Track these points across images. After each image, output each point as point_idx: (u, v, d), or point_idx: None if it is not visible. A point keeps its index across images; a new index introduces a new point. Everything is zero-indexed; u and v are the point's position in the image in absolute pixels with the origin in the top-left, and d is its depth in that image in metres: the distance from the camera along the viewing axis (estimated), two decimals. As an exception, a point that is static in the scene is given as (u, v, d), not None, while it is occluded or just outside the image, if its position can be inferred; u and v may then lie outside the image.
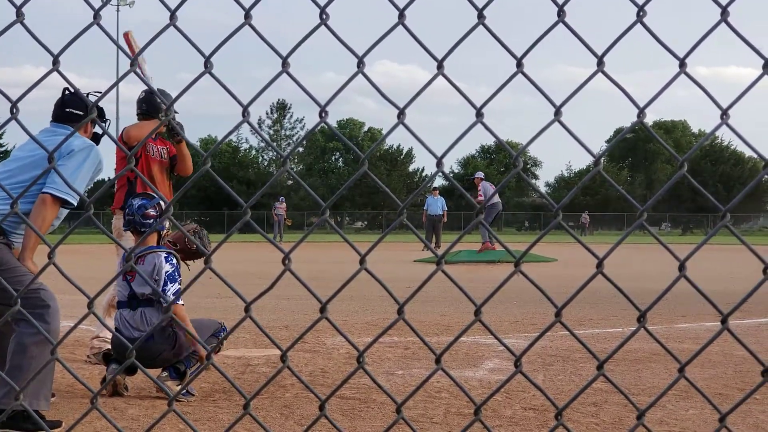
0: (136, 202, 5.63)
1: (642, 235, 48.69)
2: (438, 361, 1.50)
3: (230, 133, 1.55)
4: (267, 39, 1.47)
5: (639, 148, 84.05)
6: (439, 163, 1.49)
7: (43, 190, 4.65)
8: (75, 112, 5.03)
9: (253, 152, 78.98)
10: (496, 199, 22.77)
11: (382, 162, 72.64)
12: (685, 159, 1.52)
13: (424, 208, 30.72)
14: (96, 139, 5.20)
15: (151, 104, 6.88)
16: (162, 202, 5.70)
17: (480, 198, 21.64)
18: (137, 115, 7.04)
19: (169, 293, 5.48)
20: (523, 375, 1.56)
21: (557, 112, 1.52)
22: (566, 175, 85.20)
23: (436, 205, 30.00)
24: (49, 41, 1.49)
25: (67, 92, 5.13)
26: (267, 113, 79.24)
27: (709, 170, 73.15)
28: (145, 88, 6.80)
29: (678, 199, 69.26)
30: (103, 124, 5.26)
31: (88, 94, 5.25)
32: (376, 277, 1.48)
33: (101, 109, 5.18)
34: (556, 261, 21.97)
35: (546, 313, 10.25)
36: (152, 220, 5.58)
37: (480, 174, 23.37)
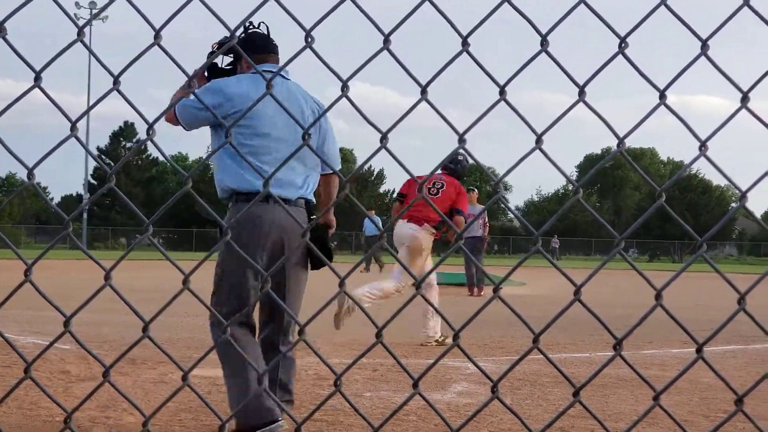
0: None
1: (610, 260, 48.97)
2: (416, 385, 1.50)
3: (212, 153, 1.54)
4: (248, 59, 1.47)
5: (608, 175, 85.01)
6: (420, 188, 1.50)
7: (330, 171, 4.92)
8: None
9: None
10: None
11: (353, 183, 72.73)
12: (663, 189, 1.54)
13: (364, 229, 30.07)
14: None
15: (459, 168, 8.69)
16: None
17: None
18: (451, 172, 8.89)
19: None
20: (500, 401, 1.56)
21: (539, 140, 1.53)
22: (536, 199, 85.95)
23: (371, 226, 29.33)
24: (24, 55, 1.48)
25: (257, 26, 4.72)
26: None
27: (678, 198, 73.94)
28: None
29: (646, 226, 69.95)
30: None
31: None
32: (356, 301, 1.48)
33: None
34: (525, 285, 22.05)
35: (514, 336, 10.28)
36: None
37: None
